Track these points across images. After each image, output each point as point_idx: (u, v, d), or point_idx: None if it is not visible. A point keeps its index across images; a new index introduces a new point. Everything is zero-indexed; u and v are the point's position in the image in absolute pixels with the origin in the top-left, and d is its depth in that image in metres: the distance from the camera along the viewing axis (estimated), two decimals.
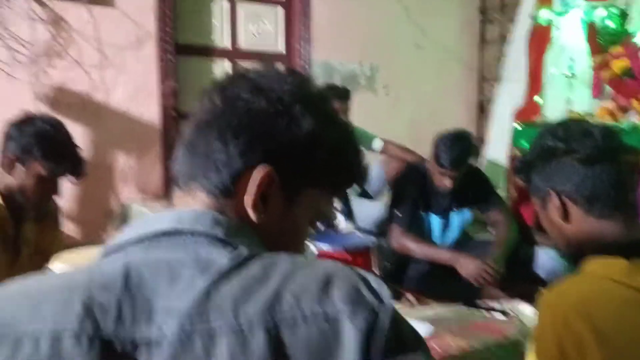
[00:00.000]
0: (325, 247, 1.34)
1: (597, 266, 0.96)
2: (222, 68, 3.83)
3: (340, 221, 2.83)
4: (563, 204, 1.02)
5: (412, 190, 2.53)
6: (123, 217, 3.43)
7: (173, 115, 3.53)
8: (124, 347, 0.48)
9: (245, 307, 0.49)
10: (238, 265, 0.52)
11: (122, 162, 3.41)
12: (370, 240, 1.48)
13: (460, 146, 2.42)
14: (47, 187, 1.62)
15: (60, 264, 1.49)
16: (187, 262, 0.52)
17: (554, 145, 1.02)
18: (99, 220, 3.36)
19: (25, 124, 1.60)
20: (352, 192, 3.17)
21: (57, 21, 3.14)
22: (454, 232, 2.65)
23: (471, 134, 2.65)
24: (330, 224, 2.01)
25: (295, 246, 0.64)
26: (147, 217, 0.60)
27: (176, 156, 0.65)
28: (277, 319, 0.49)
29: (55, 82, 3.17)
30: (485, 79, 4.69)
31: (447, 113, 4.48)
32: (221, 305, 0.49)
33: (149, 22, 3.38)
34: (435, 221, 2.61)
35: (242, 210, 0.59)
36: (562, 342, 0.88)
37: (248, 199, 0.59)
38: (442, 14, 4.51)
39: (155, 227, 0.56)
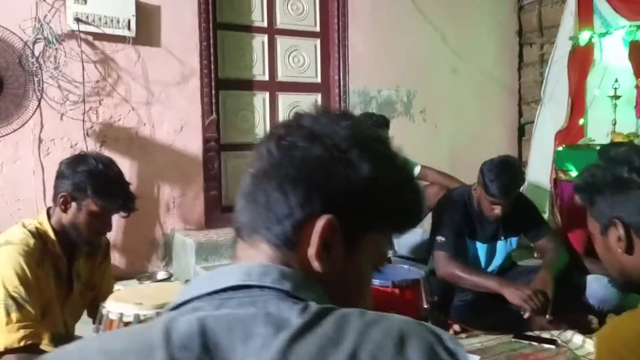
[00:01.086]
0: (374, 282, 1.34)
1: None
2: (261, 100, 3.92)
3: None
4: (629, 236, 1.00)
5: (456, 217, 2.51)
6: (166, 247, 3.52)
7: (215, 147, 3.63)
8: None
9: None
10: (311, 323, 0.52)
11: (167, 193, 3.51)
12: (419, 273, 1.48)
13: (509, 174, 2.38)
14: (100, 223, 1.65)
15: (113, 302, 1.54)
16: (260, 320, 0.53)
17: (629, 178, 1.00)
18: (144, 249, 3.46)
19: (77, 162, 1.64)
20: None
21: (106, 61, 3.30)
22: (499, 260, 2.60)
23: (516, 159, 2.61)
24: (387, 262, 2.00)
25: (360, 293, 0.64)
26: (215, 272, 0.60)
27: (236, 207, 0.64)
28: None
29: (104, 119, 3.31)
30: (525, 102, 4.64)
31: (487, 137, 4.44)
32: None
33: (194, 60, 3.51)
34: (480, 248, 2.57)
35: (306, 261, 0.59)
36: None
37: (311, 250, 0.58)
38: (478, 37, 4.51)
39: (225, 282, 0.57)
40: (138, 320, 1.44)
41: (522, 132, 4.66)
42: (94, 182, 1.60)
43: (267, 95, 3.94)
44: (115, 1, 3.24)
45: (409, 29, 4.20)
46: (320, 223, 0.58)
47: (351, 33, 4.01)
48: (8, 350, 1.44)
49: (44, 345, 1.51)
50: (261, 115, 3.94)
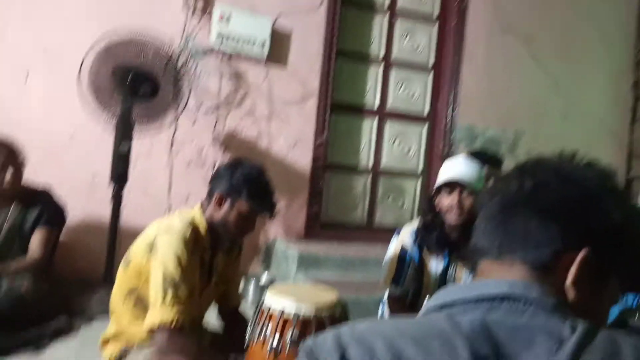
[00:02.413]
0: None
1: None
2: (369, 125, 4.12)
3: None
4: None
5: None
6: (268, 253, 3.75)
7: (322, 165, 3.85)
8: None
9: None
10: (586, 337, 0.59)
11: None
12: None
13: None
14: (247, 223, 1.79)
15: (275, 297, 1.58)
16: (537, 329, 0.60)
17: None
18: (248, 254, 3.70)
19: (236, 166, 1.81)
20: None
21: (238, 77, 3.63)
22: (610, 317, 2.53)
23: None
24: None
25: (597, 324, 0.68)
26: (472, 283, 0.68)
27: (478, 228, 0.72)
28: None
29: (229, 128, 3.63)
30: (636, 156, 4.52)
31: None
32: None
33: (314, 82, 3.78)
34: None
35: (559, 287, 0.65)
36: None
37: (570, 278, 0.65)
38: (592, 86, 4.48)
39: (491, 291, 0.64)
40: (298, 317, 1.48)
41: (629, 186, 4.54)
42: (250, 186, 1.75)
43: (375, 121, 4.13)
44: (255, 24, 3.58)
45: (521, 72, 4.26)
46: (581, 255, 0.65)
47: (464, 70, 4.14)
48: (161, 327, 1.54)
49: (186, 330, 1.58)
50: (367, 140, 4.13)
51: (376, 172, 4.16)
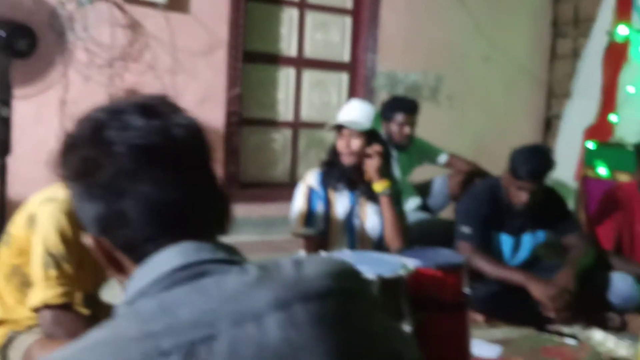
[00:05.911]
0: (417, 263, 1.31)
1: None
2: (286, 76, 3.87)
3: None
4: None
5: (482, 208, 2.47)
6: None
7: (236, 121, 3.59)
8: None
9: None
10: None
11: None
12: (461, 257, 1.45)
13: (539, 158, 2.36)
14: None
15: None
16: None
17: None
18: None
19: None
20: (412, 207, 3.12)
21: (134, 26, 3.25)
22: (524, 253, 2.56)
23: (548, 147, 2.57)
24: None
25: None
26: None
27: None
28: None
29: (128, 85, 3.27)
30: (554, 95, 4.55)
31: (513, 128, 4.37)
32: None
33: (222, 30, 3.46)
34: (506, 241, 2.53)
35: None
36: None
37: None
38: (512, 27, 4.42)
39: None
40: None
41: (549, 125, 4.59)
42: None
43: (292, 70, 3.88)
44: None
45: (442, 13, 4.12)
46: None
47: (383, 13, 3.93)
48: (44, 307, 1.45)
49: (76, 305, 1.51)
50: (285, 91, 3.89)
51: (296, 125, 3.95)
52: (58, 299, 1.45)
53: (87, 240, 0.72)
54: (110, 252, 0.70)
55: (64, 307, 1.46)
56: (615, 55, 3.69)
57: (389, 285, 1.22)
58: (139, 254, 0.67)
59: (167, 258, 0.65)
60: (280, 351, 0.59)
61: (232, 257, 0.67)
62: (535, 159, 2.33)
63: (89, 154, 0.68)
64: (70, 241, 1.50)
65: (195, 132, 0.71)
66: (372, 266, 1.26)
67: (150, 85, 3.31)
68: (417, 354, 0.87)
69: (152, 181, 0.66)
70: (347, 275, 0.69)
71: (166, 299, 0.61)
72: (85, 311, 1.54)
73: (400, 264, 1.29)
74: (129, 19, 3.23)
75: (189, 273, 0.63)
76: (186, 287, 0.62)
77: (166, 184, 0.66)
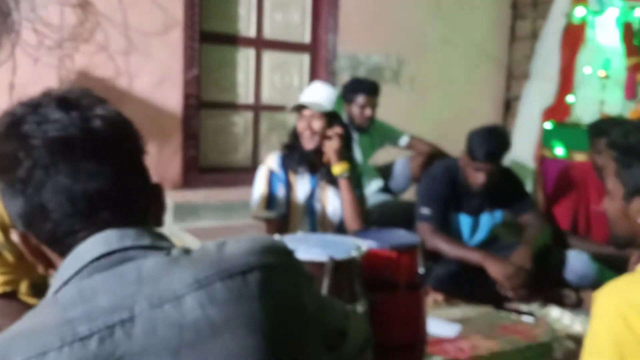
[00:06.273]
0: (371, 244, 1.28)
1: None
2: (246, 57, 3.79)
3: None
4: None
5: (441, 188, 2.47)
6: None
7: (195, 104, 3.50)
8: None
9: None
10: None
11: None
12: (416, 237, 1.43)
13: (496, 139, 2.37)
14: None
15: None
16: None
17: None
18: None
19: None
20: (374, 189, 3.11)
21: (85, 6, 3.11)
22: (482, 233, 2.59)
23: (505, 128, 2.58)
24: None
25: None
26: None
27: None
28: None
29: (79, 66, 3.14)
30: (514, 76, 4.59)
31: (473, 110, 4.40)
32: None
33: (177, 9, 3.34)
34: (464, 221, 2.55)
35: None
36: (620, 342, 0.85)
37: None
38: (473, 8, 4.42)
39: None
40: None
41: (508, 106, 4.64)
42: None
43: (252, 52, 3.80)
44: None
45: None
46: None
47: None
48: None
49: (22, 295, 1.48)
50: (245, 73, 3.80)
51: (257, 108, 3.87)
52: (0, 288, 1.42)
53: (15, 236, 0.72)
54: (37, 247, 0.70)
55: (8, 296, 1.43)
56: (573, 36, 3.73)
57: (341, 266, 1.19)
58: (63, 247, 0.67)
59: (91, 247, 0.66)
60: (200, 329, 0.60)
61: (157, 243, 0.68)
62: (491, 141, 2.34)
63: (7, 149, 0.67)
64: (8, 227, 1.45)
65: (115, 124, 0.71)
66: (325, 248, 1.23)
67: (102, 67, 3.19)
68: (364, 330, 0.87)
69: (70, 173, 0.66)
70: (271, 251, 0.70)
71: (85, 286, 0.62)
72: (32, 301, 1.50)
73: (353, 245, 1.27)
74: None
75: (110, 260, 0.64)
76: (106, 273, 0.63)
77: (85, 175, 0.66)
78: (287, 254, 0.73)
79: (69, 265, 0.65)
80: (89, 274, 0.63)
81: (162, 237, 0.70)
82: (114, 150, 0.69)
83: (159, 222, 0.76)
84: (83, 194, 0.66)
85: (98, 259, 0.64)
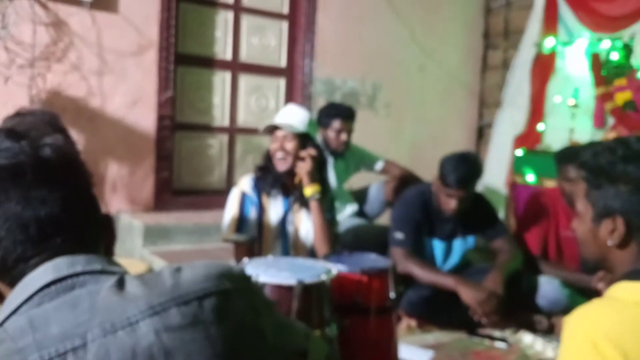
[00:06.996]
0: (341, 268, 1.26)
1: (627, 292, 0.92)
2: (222, 80, 3.78)
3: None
4: (628, 233, 0.96)
5: (415, 214, 2.47)
6: None
7: (169, 126, 3.46)
8: None
9: None
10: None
11: (114, 171, 3.31)
12: (387, 261, 1.42)
13: (467, 166, 2.39)
14: None
15: None
16: None
17: None
18: None
19: None
20: (349, 214, 3.10)
21: (59, 25, 3.07)
22: (455, 258, 2.59)
23: (477, 154, 2.61)
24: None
25: None
26: None
27: None
28: None
29: (51, 86, 3.09)
30: (486, 104, 4.68)
31: (447, 136, 4.46)
32: None
33: (152, 31, 3.33)
34: (437, 246, 2.55)
35: None
36: None
37: None
38: (446, 37, 4.52)
39: None
40: None
41: (481, 134, 4.71)
42: None
43: (228, 75, 3.80)
44: None
45: (378, 21, 4.15)
46: None
47: (320, 18, 3.92)
48: None
49: None
50: (220, 96, 3.79)
51: (232, 130, 3.86)
52: None
53: None
54: None
55: None
56: (543, 66, 3.83)
57: (310, 290, 1.17)
58: (14, 276, 0.67)
59: (40, 275, 0.65)
60: (153, 355, 0.60)
61: (108, 268, 0.68)
62: (462, 167, 2.36)
63: None
64: None
65: (64, 153, 0.72)
66: (294, 272, 1.21)
67: (75, 87, 3.15)
68: (324, 349, 0.86)
69: (21, 200, 0.66)
70: (227, 277, 0.69)
71: (35, 314, 0.62)
72: None
73: (323, 269, 1.24)
74: (52, 16, 3.06)
75: (61, 287, 0.64)
76: (57, 301, 0.62)
77: (36, 201, 0.67)
78: (244, 279, 0.73)
79: (18, 294, 0.65)
80: (39, 302, 0.63)
81: (113, 263, 0.70)
82: (63, 178, 0.70)
83: (109, 251, 0.77)
84: (34, 220, 0.66)
85: (48, 285, 0.64)
